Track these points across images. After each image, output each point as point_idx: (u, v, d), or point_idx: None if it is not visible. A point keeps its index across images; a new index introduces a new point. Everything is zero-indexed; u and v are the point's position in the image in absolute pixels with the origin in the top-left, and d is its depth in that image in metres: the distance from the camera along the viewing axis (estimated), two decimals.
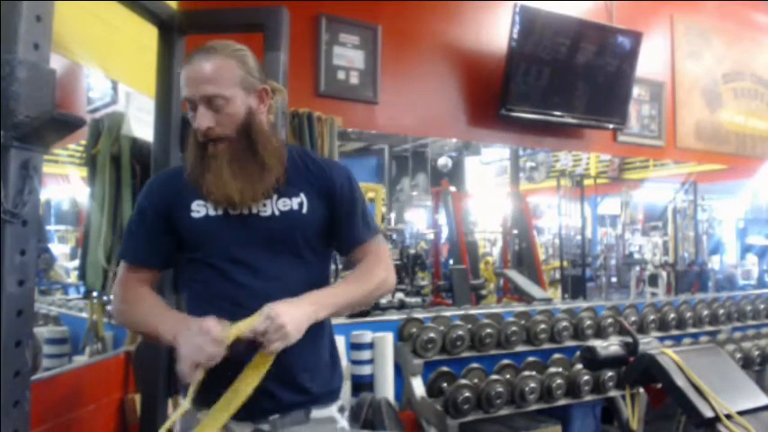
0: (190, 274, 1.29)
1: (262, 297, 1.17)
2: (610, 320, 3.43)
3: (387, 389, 2.76)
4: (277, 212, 1.26)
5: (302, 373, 1.25)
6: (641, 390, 2.45)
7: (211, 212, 1.25)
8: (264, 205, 1.26)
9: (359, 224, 1.32)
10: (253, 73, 1.25)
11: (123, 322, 1.35)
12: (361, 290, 1.28)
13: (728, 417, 1.92)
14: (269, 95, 1.29)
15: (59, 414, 1.77)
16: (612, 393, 3.20)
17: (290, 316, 1.12)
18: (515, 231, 6.53)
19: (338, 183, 1.31)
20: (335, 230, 1.32)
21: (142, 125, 2.19)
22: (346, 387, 2.69)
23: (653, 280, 6.85)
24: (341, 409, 1.33)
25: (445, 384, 2.90)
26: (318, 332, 1.26)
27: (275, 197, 1.26)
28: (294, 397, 1.24)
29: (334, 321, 1.39)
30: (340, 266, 3.74)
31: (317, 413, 1.28)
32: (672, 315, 3.75)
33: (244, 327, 1.13)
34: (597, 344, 2.29)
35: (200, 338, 1.09)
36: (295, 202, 1.27)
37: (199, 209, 1.26)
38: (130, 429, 2.12)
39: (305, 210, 1.27)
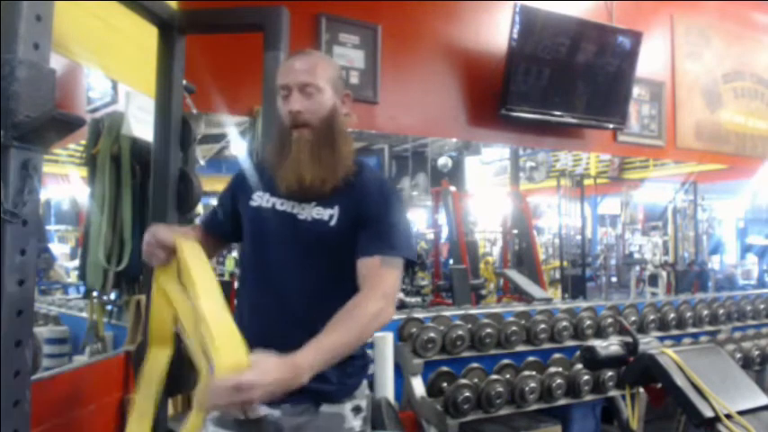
0: (241, 258, 1.43)
1: (279, 300, 1.28)
2: (610, 320, 3.43)
3: (387, 389, 2.76)
4: (309, 219, 1.30)
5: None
6: (641, 389, 2.45)
7: (264, 204, 1.34)
8: (303, 209, 1.31)
9: (371, 235, 1.26)
10: (342, 79, 1.38)
11: None
12: (348, 335, 1.13)
13: (728, 416, 1.92)
14: (350, 100, 1.39)
15: (59, 414, 1.77)
16: (612, 393, 3.20)
17: (263, 391, 0.96)
18: (515, 231, 6.53)
19: (368, 196, 1.30)
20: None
21: (142, 125, 2.19)
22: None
23: (653, 280, 6.85)
24: (356, 410, 1.32)
25: (445, 384, 2.90)
26: None
27: (314, 203, 1.31)
28: (305, 390, 1.15)
29: None
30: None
31: (326, 408, 1.29)
32: (672, 315, 3.75)
33: (209, 355, 0.99)
34: (597, 344, 2.29)
35: None
36: (327, 213, 1.30)
37: (257, 198, 1.36)
38: None
39: (333, 222, 1.29)
